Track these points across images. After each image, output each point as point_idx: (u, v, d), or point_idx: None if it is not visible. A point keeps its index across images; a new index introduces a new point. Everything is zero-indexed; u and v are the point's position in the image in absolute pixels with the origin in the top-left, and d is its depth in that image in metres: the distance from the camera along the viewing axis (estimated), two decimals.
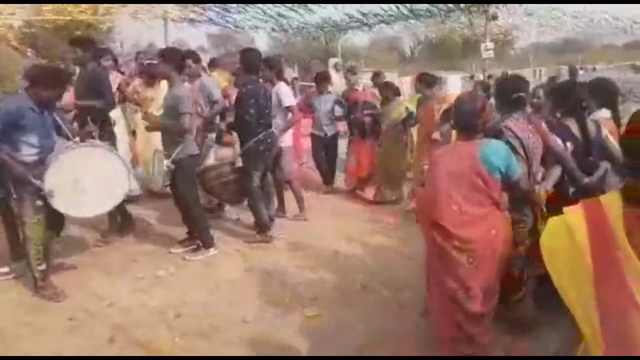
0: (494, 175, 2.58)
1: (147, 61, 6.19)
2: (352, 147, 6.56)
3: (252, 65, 4.72)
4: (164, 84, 6.02)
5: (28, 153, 3.54)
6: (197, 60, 5.41)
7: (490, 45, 6.87)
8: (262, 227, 4.86)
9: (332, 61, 11.26)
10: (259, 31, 12.79)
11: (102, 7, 9.35)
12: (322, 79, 6.64)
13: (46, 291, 3.67)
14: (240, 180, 4.75)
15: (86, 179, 3.79)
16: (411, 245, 4.55)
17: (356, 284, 3.94)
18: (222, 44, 26.86)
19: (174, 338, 3.18)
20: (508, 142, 2.82)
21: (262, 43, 30.82)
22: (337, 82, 9.42)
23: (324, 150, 6.60)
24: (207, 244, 4.46)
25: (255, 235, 4.90)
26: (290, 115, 5.16)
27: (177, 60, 4.31)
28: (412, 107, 6.23)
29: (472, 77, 15.07)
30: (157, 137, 4.96)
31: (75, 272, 4.12)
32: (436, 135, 5.46)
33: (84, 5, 9.06)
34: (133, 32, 20.00)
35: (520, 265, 3.01)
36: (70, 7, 9.07)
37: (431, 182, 2.76)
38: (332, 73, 10.19)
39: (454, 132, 3.95)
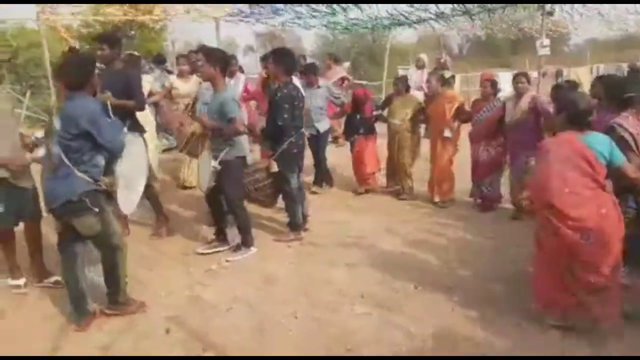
0: (599, 161, 2.95)
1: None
2: (359, 147, 6.39)
3: (288, 68, 4.66)
4: (195, 78, 6.11)
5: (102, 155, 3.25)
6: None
7: (547, 42, 6.58)
8: (295, 227, 4.88)
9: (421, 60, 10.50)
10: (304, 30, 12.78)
11: (158, 8, 9.61)
12: (311, 71, 6.38)
13: (130, 306, 3.47)
14: (276, 183, 4.77)
15: (127, 172, 3.57)
16: (459, 244, 4.46)
17: (405, 283, 3.90)
18: (269, 41, 27.16)
19: (227, 331, 3.26)
20: (621, 138, 3.18)
21: (309, 41, 31.04)
22: (417, 79, 9.18)
23: (315, 148, 6.29)
24: (248, 242, 4.50)
25: (288, 233, 4.90)
26: None
27: (221, 62, 4.26)
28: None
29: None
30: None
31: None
32: (447, 132, 5.71)
33: (141, 6, 9.35)
34: (184, 31, 20.47)
35: None
36: (126, 6, 9.39)
37: (543, 169, 3.10)
38: (412, 71, 10.03)
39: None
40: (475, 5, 8.35)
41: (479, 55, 31.50)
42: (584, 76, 13.11)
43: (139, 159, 3.86)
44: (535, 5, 7.35)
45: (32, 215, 3.83)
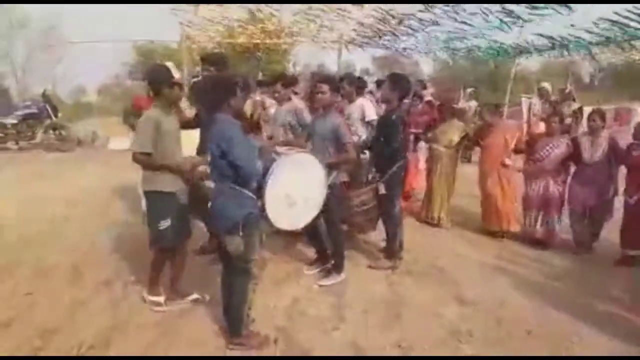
0: None
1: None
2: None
3: (402, 92, 4.63)
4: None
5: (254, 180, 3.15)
6: (287, 84, 5.29)
7: None
8: (393, 254, 4.78)
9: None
10: (423, 55, 12.72)
11: (285, 32, 10.24)
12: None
13: (251, 340, 3.31)
14: (379, 206, 4.69)
15: (296, 190, 3.52)
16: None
17: (517, 326, 3.67)
18: (387, 66, 27.45)
19: (331, 351, 3.30)
20: None
21: (427, 66, 30.79)
22: (539, 109, 8.81)
23: None
24: (340, 268, 4.46)
25: (383, 260, 4.80)
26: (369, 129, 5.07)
27: (335, 87, 4.29)
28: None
29: None
30: None
31: None
32: (508, 161, 5.68)
33: (270, 31, 10.03)
34: (306, 53, 21.51)
35: None
36: (258, 31, 10.13)
37: None
38: (535, 100, 9.63)
39: None
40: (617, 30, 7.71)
41: (614, 86, 28.83)
42: None
43: (312, 177, 3.71)
44: None
45: (188, 233, 3.85)
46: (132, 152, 3.42)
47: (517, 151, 5.78)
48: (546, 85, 9.68)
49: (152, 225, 3.58)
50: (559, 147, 5.37)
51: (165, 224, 3.50)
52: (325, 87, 4.21)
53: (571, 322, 3.79)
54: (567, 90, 9.80)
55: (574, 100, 9.30)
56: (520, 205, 5.75)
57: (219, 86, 3.22)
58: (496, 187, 5.70)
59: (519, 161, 5.97)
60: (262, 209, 3.20)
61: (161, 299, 3.77)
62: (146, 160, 3.44)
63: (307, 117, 4.99)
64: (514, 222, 5.73)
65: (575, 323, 3.76)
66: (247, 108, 5.68)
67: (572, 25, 8.02)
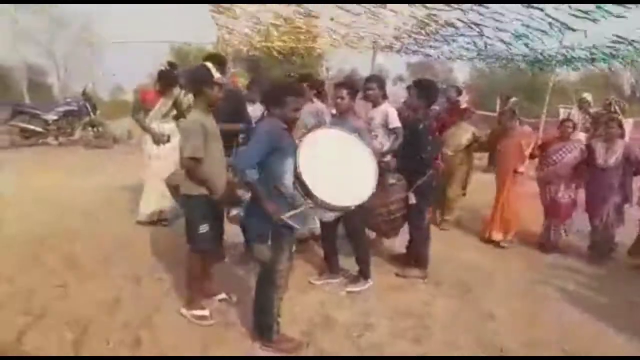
0: None
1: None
2: None
3: (431, 98, 4.56)
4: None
5: (290, 183, 3.06)
6: (312, 86, 5.25)
7: None
8: (422, 263, 4.70)
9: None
10: (458, 61, 12.58)
11: (321, 36, 10.27)
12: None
13: (283, 344, 3.30)
14: (408, 216, 4.60)
15: (337, 162, 3.20)
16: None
17: (550, 344, 3.55)
18: (421, 72, 27.17)
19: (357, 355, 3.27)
20: None
21: (462, 73, 30.36)
22: (580, 120, 8.60)
23: None
24: (366, 275, 4.41)
25: (413, 270, 4.70)
26: (394, 137, 4.91)
27: (354, 92, 4.29)
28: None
29: None
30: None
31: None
32: (522, 168, 5.59)
33: (303, 37, 10.07)
34: (340, 58, 21.52)
35: None
36: (295, 34, 10.19)
37: None
38: (574, 111, 9.40)
39: None
40: None
41: None
42: None
43: (355, 155, 3.33)
44: None
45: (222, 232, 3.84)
46: (184, 157, 3.34)
47: (532, 156, 5.70)
48: (587, 96, 9.39)
49: (191, 230, 3.53)
50: (572, 152, 5.36)
51: (204, 228, 3.47)
52: (344, 92, 4.18)
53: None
54: (607, 102, 9.49)
55: (616, 112, 8.99)
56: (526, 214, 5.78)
57: (267, 93, 3.31)
58: (507, 194, 5.64)
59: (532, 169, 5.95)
60: (297, 175, 2.93)
61: (206, 312, 3.63)
62: (196, 167, 3.34)
63: (328, 119, 4.96)
64: (510, 232, 5.69)
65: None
66: None
67: (614, 35, 7.80)
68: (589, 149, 5.36)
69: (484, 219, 6.06)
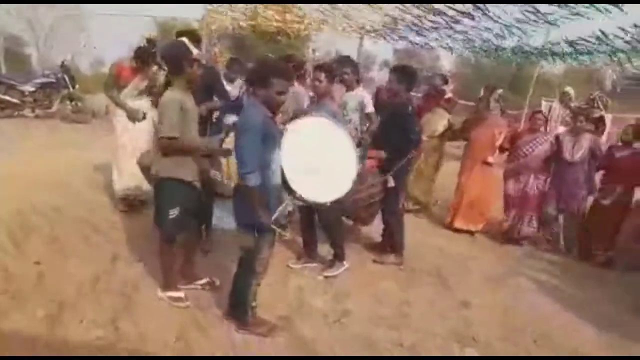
0: None
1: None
2: None
3: (409, 84, 4.50)
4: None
5: (277, 173, 2.96)
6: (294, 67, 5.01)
7: None
8: (398, 249, 4.74)
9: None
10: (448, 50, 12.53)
11: (308, 19, 10.14)
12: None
13: (259, 328, 3.31)
14: (384, 200, 4.55)
15: (316, 155, 3.10)
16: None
17: (523, 335, 3.65)
18: (407, 58, 27.07)
19: (333, 345, 3.30)
20: None
21: (448, 61, 30.36)
22: (561, 114, 8.71)
23: None
24: (341, 257, 4.44)
25: (389, 256, 4.75)
26: (369, 122, 4.94)
27: (332, 76, 4.27)
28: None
29: None
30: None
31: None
32: (491, 159, 5.60)
33: (290, 17, 9.92)
34: (327, 40, 21.32)
35: None
36: (280, 15, 10.04)
37: None
38: (556, 104, 9.48)
39: None
40: None
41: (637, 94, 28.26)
42: None
43: (332, 141, 3.24)
44: None
45: (195, 225, 3.82)
46: (159, 137, 3.25)
47: (502, 149, 5.70)
48: (569, 90, 9.49)
49: (160, 212, 3.43)
50: (542, 145, 5.42)
51: (174, 212, 3.36)
52: (322, 75, 4.12)
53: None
54: (591, 97, 9.61)
55: (598, 108, 9.12)
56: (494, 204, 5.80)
57: (252, 72, 3.16)
58: (474, 183, 5.64)
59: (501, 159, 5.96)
60: (283, 179, 2.94)
61: (181, 294, 3.60)
62: (173, 145, 3.23)
63: (306, 103, 4.92)
64: (482, 221, 5.75)
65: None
66: None
67: (600, 31, 7.82)
68: (558, 142, 5.42)
69: (449, 207, 6.09)
